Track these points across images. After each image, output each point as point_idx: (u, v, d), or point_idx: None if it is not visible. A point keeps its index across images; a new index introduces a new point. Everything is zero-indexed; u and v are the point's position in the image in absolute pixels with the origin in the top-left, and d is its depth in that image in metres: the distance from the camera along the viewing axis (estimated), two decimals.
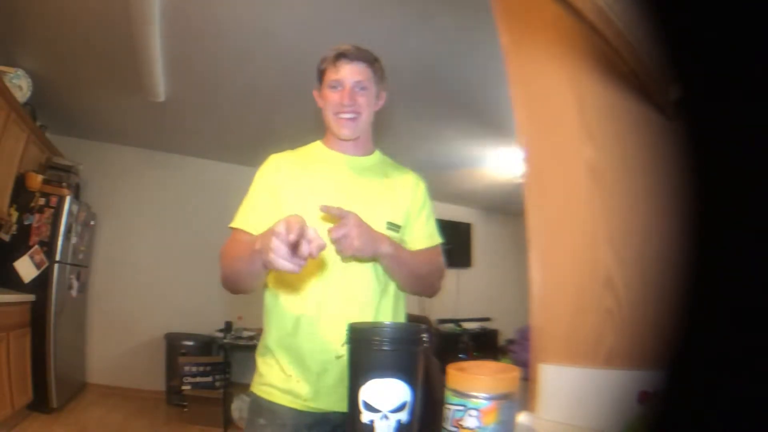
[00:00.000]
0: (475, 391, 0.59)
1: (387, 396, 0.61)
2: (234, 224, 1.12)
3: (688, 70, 0.51)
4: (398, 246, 1.09)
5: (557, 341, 0.83)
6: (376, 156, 1.26)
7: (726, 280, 0.43)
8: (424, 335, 0.66)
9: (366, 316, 1.08)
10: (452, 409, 0.60)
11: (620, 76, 0.80)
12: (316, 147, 1.24)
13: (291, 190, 1.12)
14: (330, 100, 1.15)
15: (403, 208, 1.18)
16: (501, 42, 0.97)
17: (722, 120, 0.45)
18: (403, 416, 0.62)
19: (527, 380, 0.80)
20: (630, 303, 0.78)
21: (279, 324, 1.12)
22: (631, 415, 0.63)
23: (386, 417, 0.61)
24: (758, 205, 0.41)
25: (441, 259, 1.25)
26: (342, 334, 1.02)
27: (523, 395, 0.70)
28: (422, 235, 1.22)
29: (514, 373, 0.62)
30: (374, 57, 1.17)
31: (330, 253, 1.06)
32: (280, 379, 1.08)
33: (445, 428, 0.61)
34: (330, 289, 1.08)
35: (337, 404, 1.05)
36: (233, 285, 1.06)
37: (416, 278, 1.16)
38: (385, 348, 0.63)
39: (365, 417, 0.62)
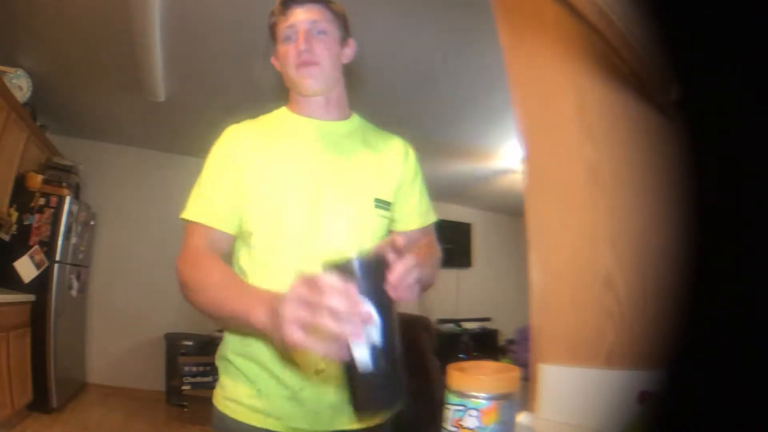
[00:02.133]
0: (475, 391, 0.59)
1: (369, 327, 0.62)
2: (189, 216, 0.91)
3: (688, 70, 0.51)
4: (426, 266, 0.84)
5: (557, 341, 0.83)
6: (355, 120, 1.06)
7: (726, 280, 0.43)
8: (384, 261, 0.67)
9: None
10: (452, 409, 0.60)
11: (620, 76, 0.80)
12: (281, 114, 1.03)
13: (255, 169, 0.93)
14: (286, 54, 0.95)
15: (393, 182, 1.01)
16: (501, 42, 0.97)
17: (722, 120, 0.45)
18: (377, 339, 0.62)
19: (527, 380, 0.80)
20: (630, 303, 0.78)
21: (242, 336, 0.93)
22: (631, 415, 0.63)
23: (364, 346, 0.62)
24: (758, 205, 0.42)
25: (437, 244, 1.08)
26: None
27: (523, 395, 0.70)
28: (416, 213, 1.06)
29: (514, 373, 0.62)
30: None
31: (305, 245, 0.90)
32: (248, 395, 0.90)
33: (445, 428, 0.61)
34: None
35: (322, 423, 0.91)
36: (197, 308, 0.86)
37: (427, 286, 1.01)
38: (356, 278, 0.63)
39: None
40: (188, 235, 0.92)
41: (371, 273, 0.65)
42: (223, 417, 0.93)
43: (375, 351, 0.62)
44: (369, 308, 0.63)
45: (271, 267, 0.91)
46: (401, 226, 1.04)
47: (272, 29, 0.99)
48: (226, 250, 0.96)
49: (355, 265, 0.64)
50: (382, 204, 0.98)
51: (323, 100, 0.99)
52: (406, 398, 0.68)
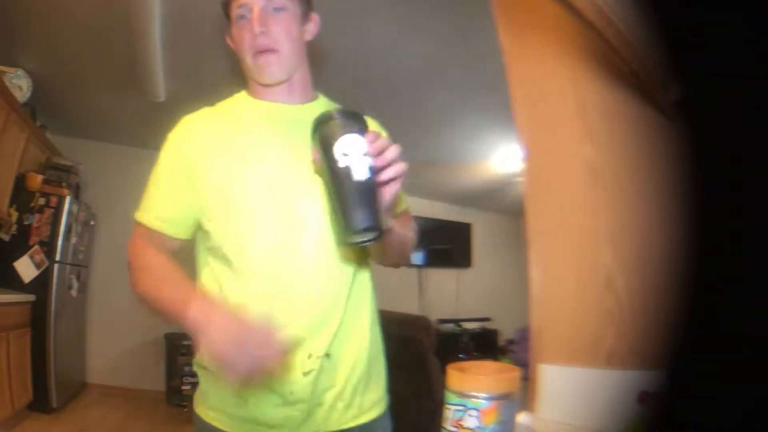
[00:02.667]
0: (475, 391, 0.59)
1: (360, 145, 0.70)
2: (140, 219, 0.89)
3: (688, 70, 0.51)
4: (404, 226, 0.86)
5: (557, 341, 0.83)
6: (321, 103, 0.97)
7: (726, 280, 0.43)
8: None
9: (332, 318, 0.86)
10: (452, 409, 0.60)
11: (620, 76, 0.80)
12: (241, 99, 0.95)
13: (211, 162, 0.85)
14: (240, 38, 0.86)
15: None
16: (500, 42, 0.96)
17: (722, 120, 0.45)
18: (371, 161, 0.71)
19: (527, 380, 0.80)
20: (630, 303, 0.78)
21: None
22: (631, 415, 0.63)
23: (359, 159, 0.69)
24: (758, 205, 0.42)
25: (413, 223, 1.02)
26: (304, 341, 0.83)
27: (523, 395, 0.70)
28: None
29: (514, 373, 0.62)
30: None
31: (274, 244, 0.83)
32: (234, 404, 0.85)
33: (445, 428, 0.61)
34: (282, 286, 0.83)
35: (315, 424, 0.86)
36: (139, 294, 0.88)
37: (403, 253, 0.96)
38: (349, 119, 0.73)
39: (342, 163, 0.69)
40: (138, 232, 0.91)
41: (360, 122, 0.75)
42: (208, 426, 0.87)
43: (371, 167, 0.71)
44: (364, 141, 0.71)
45: (239, 272, 0.85)
46: None
47: (225, 7, 0.90)
48: (174, 250, 0.93)
49: (345, 115, 0.73)
50: None
51: (285, 86, 0.91)
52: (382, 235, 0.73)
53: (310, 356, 0.85)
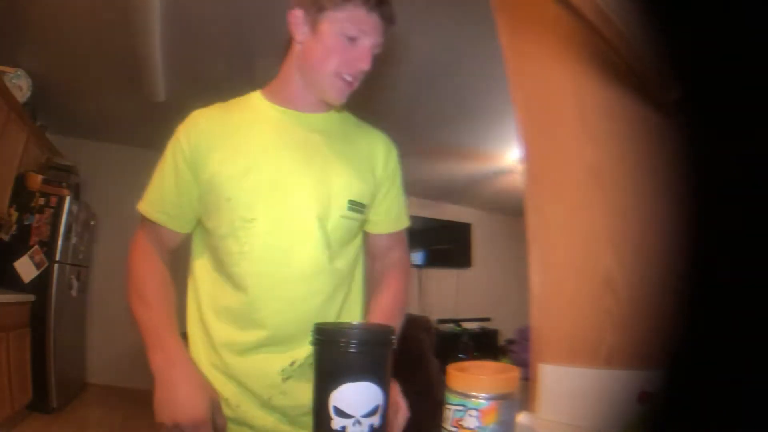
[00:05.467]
0: (475, 391, 0.59)
1: (360, 400, 0.58)
2: (143, 210, 0.91)
3: (688, 70, 0.51)
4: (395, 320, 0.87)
5: (557, 341, 0.83)
6: (335, 112, 0.95)
7: (726, 280, 0.43)
8: (393, 337, 0.64)
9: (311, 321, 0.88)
10: (452, 409, 0.60)
11: (620, 76, 0.80)
12: (255, 101, 0.93)
13: (218, 163, 0.85)
14: (341, 53, 0.83)
15: (371, 183, 0.93)
16: (501, 42, 0.97)
17: (722, 120, 0.45)
18: (376, 420, 0.59)
19: (527, 380, 0.80)
20: (630, 303, 0.78)
21: (205, 340, 0.90)
22: (631, 415, 0.63)
23: (359, 422, 0.58)
24: (758, 205, 0.41)
25: (407, 254, 1.03)
26: (285, 350, 0.84)
27: (523, 395, 0.70)
28: (390, 217, 0.98)
29: (514, 373, 0.62)
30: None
31: (273, 250, 0.84)
32: (225, 409, 0.86)
33: (445, 428, 0.61)
34: (269, 294, 0.84)
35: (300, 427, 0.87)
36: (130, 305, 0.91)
37: None
38: (357, 350, 0.58)
39: (336, 423, 0.58)
40: (142, 224, 0.93)
41: (377, 345, 0.61)
42: None
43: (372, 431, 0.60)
44: (376, 391, 0.59)
45: (229, 276, 0.86)
46: (372, 228, 0.98)
47: (330, 5, 0.83)
48: (175, 246, 0.94)
49: (358, 335, 0.60)
50: (356, 206, 0.90)
51: (314, 98, 0.91)
52: None
53: (292, 363, 0.85)
